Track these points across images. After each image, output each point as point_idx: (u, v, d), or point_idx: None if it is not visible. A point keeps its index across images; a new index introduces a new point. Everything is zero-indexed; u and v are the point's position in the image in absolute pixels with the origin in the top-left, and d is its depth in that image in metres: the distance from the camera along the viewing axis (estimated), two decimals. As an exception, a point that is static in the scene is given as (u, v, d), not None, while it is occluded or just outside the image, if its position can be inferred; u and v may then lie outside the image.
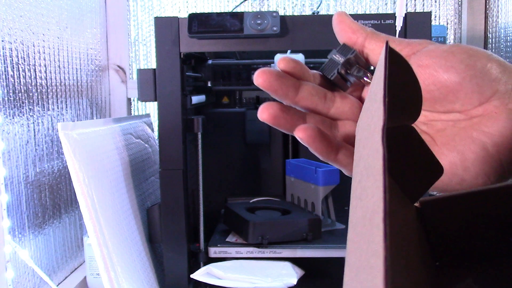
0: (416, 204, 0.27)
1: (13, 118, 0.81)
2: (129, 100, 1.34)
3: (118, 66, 1.31)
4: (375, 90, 0.23)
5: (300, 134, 0.30)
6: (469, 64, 0.29)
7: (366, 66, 0.33)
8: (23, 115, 0.85)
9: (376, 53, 0.32)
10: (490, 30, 1.23)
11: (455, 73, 0.29)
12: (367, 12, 1.30)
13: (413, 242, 0.24)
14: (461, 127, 0.30)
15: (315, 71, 0.34)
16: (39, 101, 0.91)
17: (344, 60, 0.32)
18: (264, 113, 0.31)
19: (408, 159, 0.25)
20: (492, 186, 0.25)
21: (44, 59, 0.93)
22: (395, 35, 0.77)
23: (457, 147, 0.30)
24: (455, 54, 0.29)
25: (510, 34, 1.11)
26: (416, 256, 0.23)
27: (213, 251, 0.88)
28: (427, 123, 0.32)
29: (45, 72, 0.93)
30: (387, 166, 0.18)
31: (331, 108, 0.33)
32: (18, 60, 0.83)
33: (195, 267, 0.87)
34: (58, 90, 0.98)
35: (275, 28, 0.79)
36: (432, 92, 0.30)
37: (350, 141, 0.32)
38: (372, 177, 0.19)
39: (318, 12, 1.09)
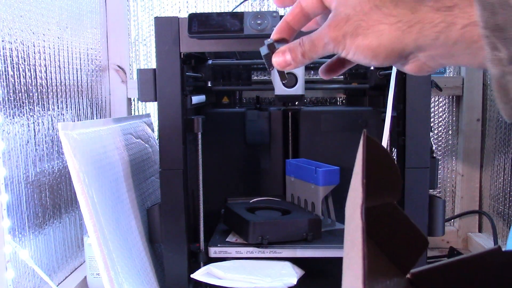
0: (408, 276, 0.29)
1: (13, 118, 0.81)
2: (129, 100, 1.34)
3: (118, 66, 1.31)
4: (357, 172, 0.25)
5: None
6: None
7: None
8: (23, 115, 0.85)
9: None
10: (490, 30, 1.22)
11: None
12: (367, 12, 1.30)
13: None
14: None
15: None
16: (39, 101, 0.91)
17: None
18: None
19: (395, 234, 0.29)
20: (477, 252, 0.27)
21: (44, 59, 0.93)
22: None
23: None
24: None
25: (510, 34, 1.11)
26: None
27: (213, 251, 0.88)
28: None
29: (45, 72, 0.93)
30: (365, 238, 0.21)
31: None
32: (18, 60, 0.83)
33: (195, 267, 0.87)
34: (58, 90, 0.98)
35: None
36: None
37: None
38: (356, 248, 0.22)
39: (318, 12, 1.09)
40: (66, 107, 1.02)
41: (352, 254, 0.22)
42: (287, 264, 0.87)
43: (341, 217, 0.99)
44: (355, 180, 0.26)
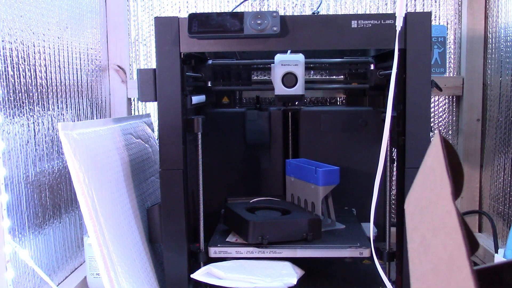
0: None
1: (13, 118, 0.81)
2: (129, 100, 1.34)
3: (118, 66, 1.31)
4: (431, 166, 0.25)
5: None
6: None
7: None
8: (23, 115, 0.85)
9: None
10: (490, 30, 1.23)
11: None
12: (367, 12, 1.30)
13: None
14: None
15: None
16: (39, 101, 0.91)
17: None
18: None
19: None
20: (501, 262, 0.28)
21: (44, 59, 0.93)
22: (395, 35, 0.77)
23: None
24: None
25: (510, 34, 1.11)
26: None
27: (213, 251, 0.88)
28: None
29: (45, 72, 0.93)
30: (462, 221, 0.22)
31: None
32: (18, 60, 0.83)
33: (195, 267, 0.87)
34: (58, 90, 0.98)
35: (275, 28, 0.79)
36: None
37: None
38: (442, 234, 0.22)
39: (318, 12, 1.09)
40: (66, 107, 1.02)
41: (435, 241, 0.22)
42: (287, 264, 0.87)
43: (341, 217, 1.00)
44: (426, 175, 0.26)
